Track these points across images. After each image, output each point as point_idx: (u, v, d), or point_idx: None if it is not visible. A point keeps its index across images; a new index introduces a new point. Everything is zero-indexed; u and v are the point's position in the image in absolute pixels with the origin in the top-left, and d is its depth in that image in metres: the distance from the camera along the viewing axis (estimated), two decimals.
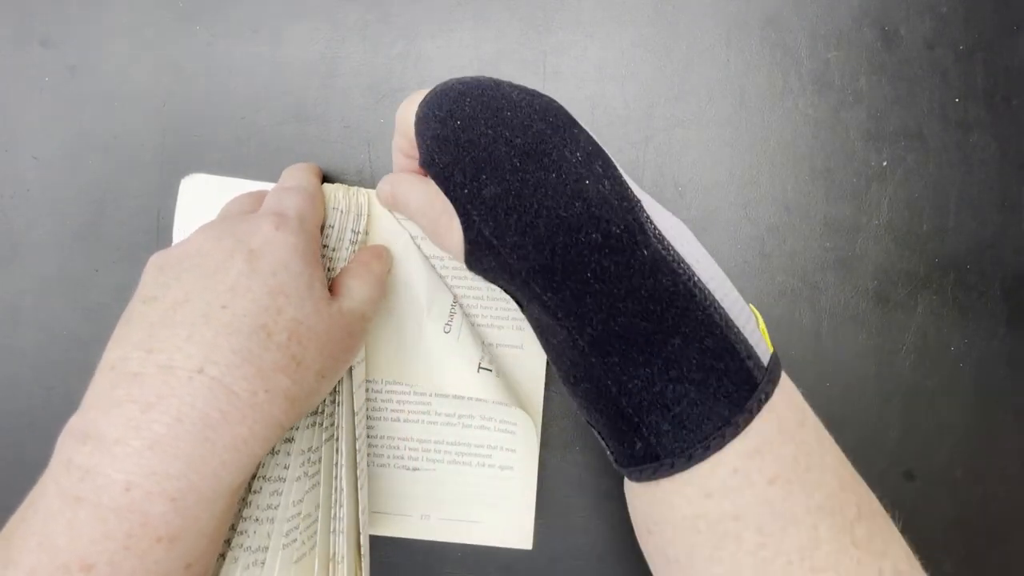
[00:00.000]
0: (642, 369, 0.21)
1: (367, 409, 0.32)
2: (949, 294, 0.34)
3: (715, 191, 0.34)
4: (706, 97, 0.34)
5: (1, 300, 0.33)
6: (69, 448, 0.21)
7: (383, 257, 0.29)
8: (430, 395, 0.32)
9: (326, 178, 0.33)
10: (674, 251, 0.22)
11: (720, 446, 0.21)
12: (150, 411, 0.20)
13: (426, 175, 0.30)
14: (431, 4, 0.34)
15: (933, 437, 0.34)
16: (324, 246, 0.29)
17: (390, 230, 0.31)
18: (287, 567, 0.25)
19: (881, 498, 0.24)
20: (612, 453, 0.24)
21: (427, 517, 0.33)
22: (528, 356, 0.32)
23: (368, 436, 0.32)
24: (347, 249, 0.29)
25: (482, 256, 0.23)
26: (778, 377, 0.22)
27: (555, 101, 0.24)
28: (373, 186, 0.33)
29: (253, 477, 0.25)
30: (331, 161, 0.34)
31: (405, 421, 0.33)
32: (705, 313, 0.21)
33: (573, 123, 0.23)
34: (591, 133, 0.24)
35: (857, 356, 0.34)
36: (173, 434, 0.20)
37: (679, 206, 0.34)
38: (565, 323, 0.22)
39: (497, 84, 0.24)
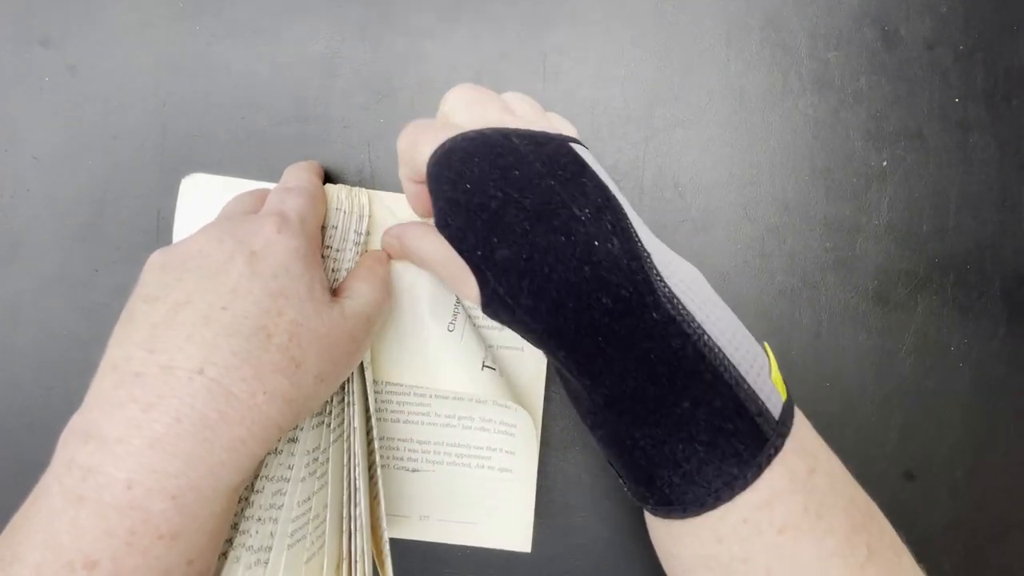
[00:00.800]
0: (653, 429, 0.22)
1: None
2: (949, 294, 0.34)
3: (715, 191, 0.34)
4: (706, 97, 0.34)
5: (1, 300, 0.33)
6: (72, 447, 0.21)
7: (385, 262, 0.30)
8: (430, 396, 0.32)
9: (327, 178, 0.33)
10: (684, 309, 0.22)
11: (730, 498, 0.21)
12: (151, 411, 0.21)
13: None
14: (431, 4, 0.34)
15: (933, 437, 0.34)
16: (327, 247, 0.29)
17: None
18: (296, 567, 0.25)
19: (881, 498, 0.24)
20: (628, 491, 0.25)
21: (426, 518, 0.33)
22: (529, 357, 0.32)
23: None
24: (351, 250, 0.29)
25: (498, 310, 0.24)
26: (789, 428, 0.22)
27: (564, 144, 0.24)
28: (373, 186, 0.33)
29: (256, 477, 0.25)
30: (331, 161, 0.34)
31: (405, 422, 0.33)
32: (715, 374, 0.21)
33: (582, 171, 0.23)
34: (601, 169, 0.23)
35: (857, 356, 0.34)
36: (173, 433, 0.20)
37: (679, 206, 0.34)
38: (579, 381, 0.23)
39: (505, 137, 0.23)
